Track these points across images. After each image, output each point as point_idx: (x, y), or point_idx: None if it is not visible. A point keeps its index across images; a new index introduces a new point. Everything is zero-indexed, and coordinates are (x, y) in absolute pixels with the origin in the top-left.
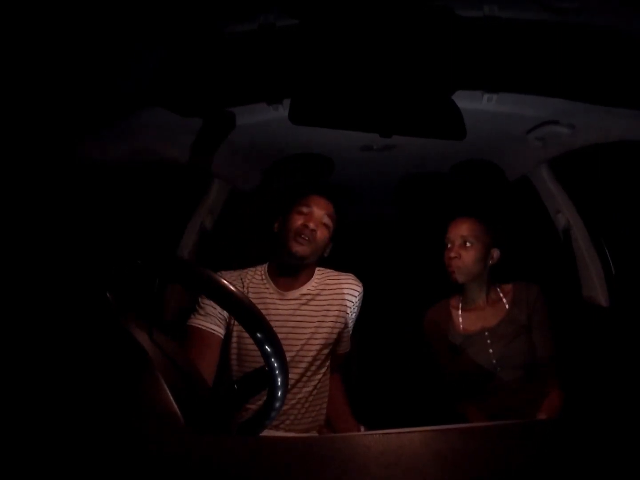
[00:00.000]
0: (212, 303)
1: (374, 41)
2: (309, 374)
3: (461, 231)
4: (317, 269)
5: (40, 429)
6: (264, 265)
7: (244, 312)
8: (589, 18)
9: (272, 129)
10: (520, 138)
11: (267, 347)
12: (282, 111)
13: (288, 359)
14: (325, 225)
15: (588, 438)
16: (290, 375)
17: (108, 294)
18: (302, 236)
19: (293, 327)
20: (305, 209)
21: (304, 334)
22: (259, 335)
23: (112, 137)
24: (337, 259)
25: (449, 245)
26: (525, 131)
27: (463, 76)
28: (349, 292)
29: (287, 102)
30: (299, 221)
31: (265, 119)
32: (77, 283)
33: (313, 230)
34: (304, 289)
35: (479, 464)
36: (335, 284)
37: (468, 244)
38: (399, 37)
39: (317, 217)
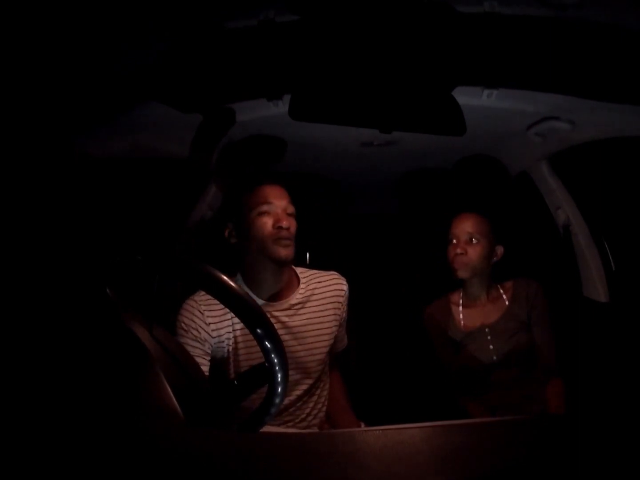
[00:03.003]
0: (189, 342)
1: (374, 37)
2: (314, 384)
3: (467, 227)
4: (299, 271)
5: (40, 426)
6: (236, 276)
7: (243, 308)
8: (588, 13)
9: (272, 125)
10: (520, 134)
11: (266, 343)
12: (282, 107)
13: (292, 372)
14: (292, 215)
15: (588, 434)
16: (296, 391)
17: (108, 290)
18: (283, 240)
19: (288, 340)
20: (266, 207)
21: (302, 345)
22: (259, 331)
23: (111, 132)
24: (338, 254)
25: (454, 241)
26: (525, 127)
27: (463, 72)
28: (337, 292)
29: (287, 98)
30: (268, 224)
31: (265, 115)
32: (77, 279)
33: (288, 228)
34: (293, 298)
35: (479, 460)
36: (323, 286)
37: (474, 241)
38: (399, 33)
39: (283, 211)
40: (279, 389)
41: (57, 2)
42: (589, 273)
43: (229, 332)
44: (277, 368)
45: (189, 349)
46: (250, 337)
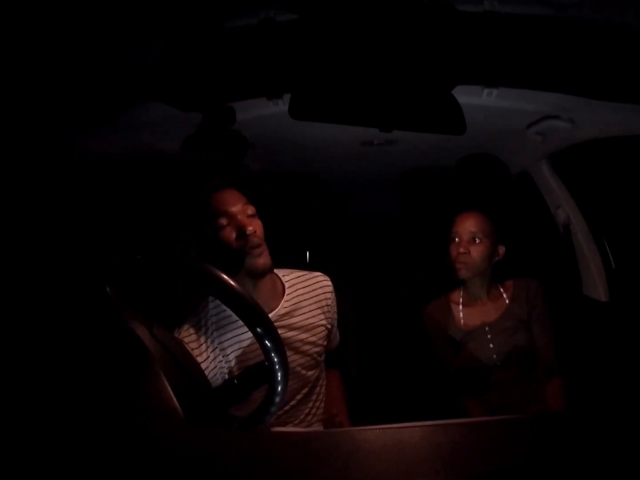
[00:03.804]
0: None
1: (374, 36)
2: (311, 384)
3: (470, 226)
4: (282, 274)
5: (41, 425)
6: None
7: (243, 307)
8: (589, 12)
9: (272, 124)
10: (520, 133)
11: (266, 341)
12: (282, 106)
13: (290, 382)
14: (252, 216)
15: (588, 432)
16: (297, 395)
17: (108, 289)
18: (254, 248)
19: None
20: (223, 219)
21: (297, 353)
22: (258, 330)
23: (111, 132)
24: (338, 254)
25: (457, 240)
26: (525, 126)
27: (463, 71)
28: (325, 294)
29: (287, 97)
30: (232, 236)
31: (265, 114)
32: (77, 278)
33: (254, 232)
34: (280, 308)
35: (479, 459)
36: (310, 290)
37: (477, 240)
38: (399, 32)
39: (242, 216)
40: (280, 388)
41: (57, 2)
42: (588, 272)
43: (220, 361)
44: (277, 367)
45: None
46: (244, 353)
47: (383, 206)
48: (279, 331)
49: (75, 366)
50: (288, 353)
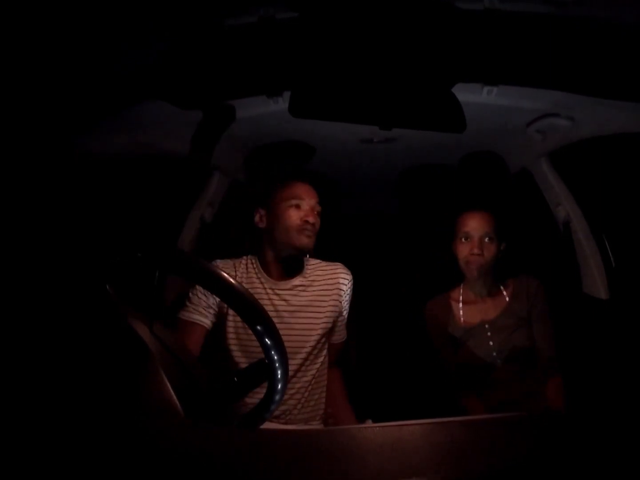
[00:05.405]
0: (198, 293)
1: (374, 34)
2: (307, 363)
3: (483, 227)
4: (305, 259)
5: (41, 424)
6: (254, 256)
7: (243, 304)
8: (588, 10)
9: (272, 122)
10: (520, 131)
11: (266, 339)
12: (282, 104)
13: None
14: (318, 214)
15: (587, 431)
16: (290, 388)
17: (108, 287)
18: (308, 231)
19: (287, 317)
20: (297, 202)
21: (299, 324)
22: (258, 327)
23: (112, 130)
24: (337, 254)
25: (467, 240)
26: (525, 124)
27: (463, 69)
28: (340, 280)
29: (287, 95)
30: (296, 216)
31: (265, 111)
32: (77, 276)
33: (313, 224)
34: (296, 280)
35: (478, 457)
36: (327, 273)
37: (488, 240)
38: (399, 30)
39: (312, 209)
40: (279, 386)
41: (58, 2)
42: (588, 270)
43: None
44: (277, 365)
45: (195, 300)
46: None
47: (382, 204)
48: (290, 299)
49: (76, 365)
50: (290, 320)
